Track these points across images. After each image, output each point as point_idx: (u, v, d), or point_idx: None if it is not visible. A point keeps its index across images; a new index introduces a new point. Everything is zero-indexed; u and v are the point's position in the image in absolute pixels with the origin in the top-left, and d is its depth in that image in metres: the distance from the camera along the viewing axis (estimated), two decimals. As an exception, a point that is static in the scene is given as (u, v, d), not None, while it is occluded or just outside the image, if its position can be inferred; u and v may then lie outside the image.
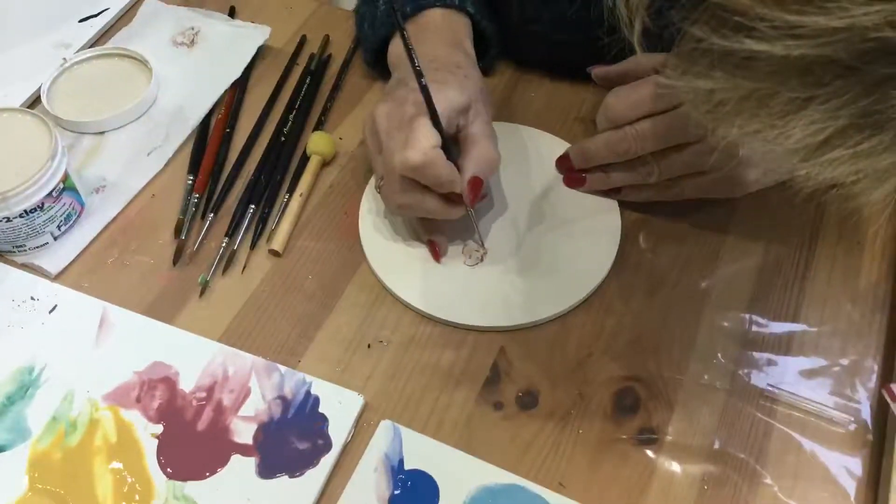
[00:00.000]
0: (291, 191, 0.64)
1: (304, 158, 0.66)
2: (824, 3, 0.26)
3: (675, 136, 0.56)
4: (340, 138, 0.68)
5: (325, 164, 0.66)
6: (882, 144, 0.29)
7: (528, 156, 0.66)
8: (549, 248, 0.60)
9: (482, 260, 0.60)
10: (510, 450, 0.52)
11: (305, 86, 0.71)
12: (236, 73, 0.72)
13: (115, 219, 0.63)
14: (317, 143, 0.66)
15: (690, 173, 0.58)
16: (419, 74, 0.53)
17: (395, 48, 0.65)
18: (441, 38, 0.63)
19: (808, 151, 0.30)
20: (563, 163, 0.63)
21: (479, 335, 0.57)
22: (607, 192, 0.63)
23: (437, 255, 0.59)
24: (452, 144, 0.56)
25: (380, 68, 0.69)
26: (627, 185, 0.61)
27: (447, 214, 0.57)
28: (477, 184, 0.55)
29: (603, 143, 0.59)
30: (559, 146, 0.65)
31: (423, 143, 0.53)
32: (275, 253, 0.61)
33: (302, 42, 0.75)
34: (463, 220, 0.59)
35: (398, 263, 0.60)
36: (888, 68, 0.27)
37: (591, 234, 0.61)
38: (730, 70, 0.30)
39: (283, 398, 0.53)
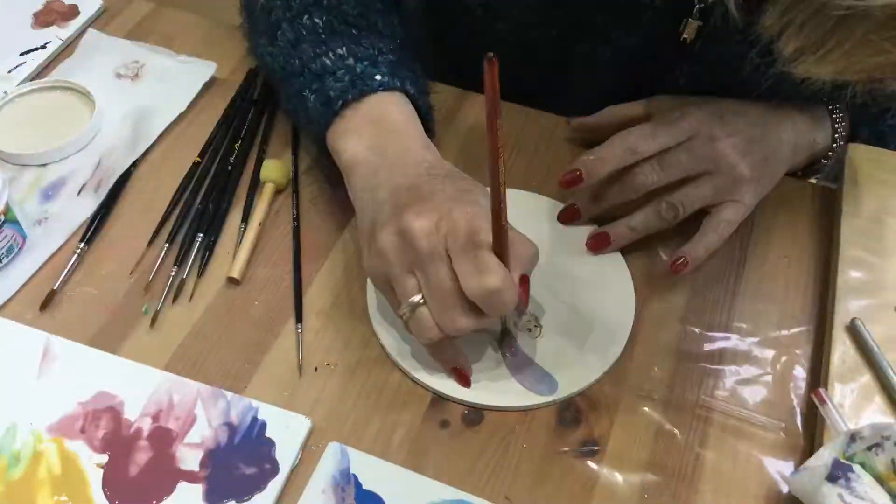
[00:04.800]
0: (245, 218, 0.64)
1: (253, 186, 0.67)
2: None
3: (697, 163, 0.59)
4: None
5: (278, 191, 0.67)
6: None
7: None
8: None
9: (541, 334, 0.58)
10: (457, 466, 0.53)
11: (249, 115, 0.72)
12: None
13: (58, 251, 0.63)
14: (270, 170, 0.67)
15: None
16: (498, 185, 0.46)
17: (351, 146, 0.58)
18: (417, 140, 0.58)
19: None
20: (569, 214, 0.64)
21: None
22: (593, 247, 0.63)
23: (467, 381, 0.55)
24: None
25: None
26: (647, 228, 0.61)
27: (491, 325, 0.55)
28: (527, 282, 0.52)
29: (619, 146, 0.59)
30: (540, 202, 0.65)
31: (503, 272, 0.49)
32: (234, 281, 0.61)
33: (250, 74, 0.76)
34: None
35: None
36: None
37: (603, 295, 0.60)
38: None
39: (229, 424, 0.53)
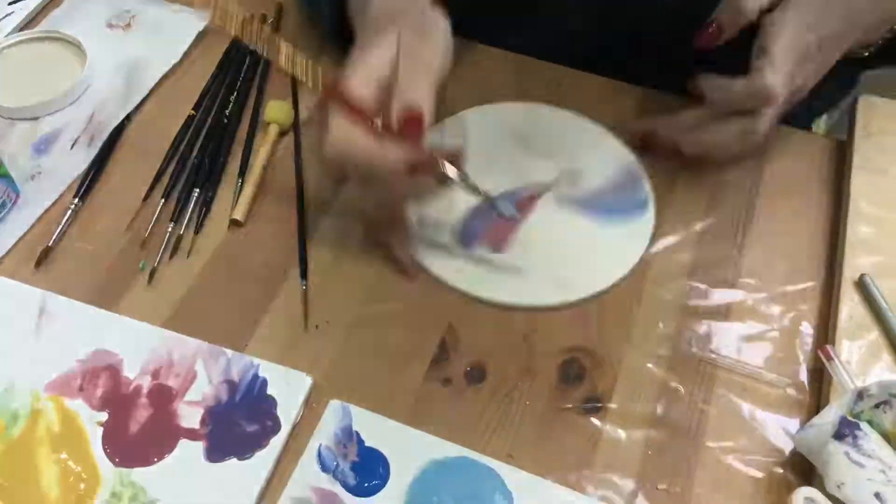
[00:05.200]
0: (243, 172, 0.63)
1: (251, 133, 0.65)
2: None
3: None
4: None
5: (282, 133, 0.66)
6: None
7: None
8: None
9: (490, 200, 0.57)
10: (459, 424, 0.52)
11: (245, 66, 0.70)
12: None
13: (52, 205, 0.62)
14: (275, 110, 0.65)
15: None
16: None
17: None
18: None
19: None
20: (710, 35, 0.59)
21: (426, 314, 0.57)
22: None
23: (409, 273, 0.58)
24: None
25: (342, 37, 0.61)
26: None
27: (423, 186, 0.55)
28: (411, 121, 0.48)
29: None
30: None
31: (341, 132, 0.48)
32: (237, 223, 0.60)
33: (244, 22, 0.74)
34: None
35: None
36: None
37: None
38: None
39: (229, 381, 0.53)
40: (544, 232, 0.61)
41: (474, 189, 0.55)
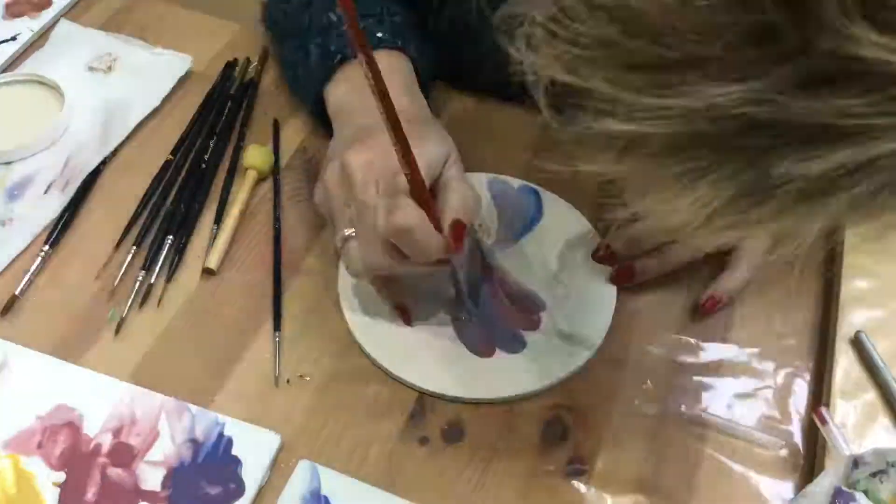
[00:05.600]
0: (219, 219, 0.62)
1: (229, 179, 0.64)
2: (681, 87, 0.26)
3: None
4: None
5: (260, 179, 0.64)
6: (772, 210, 0.28)
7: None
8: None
9: (471, 319, 0.56)
10: (436, 486, 0.50)
11: (227, 111, 0.69)
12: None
13: (22, 252, 0.60)
14: (254, 156, 0.64)
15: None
16: (397, 129, 0.45)
17: (337, 93, 0.60)
18: (397, 85, 0.57)
19: (698, 224, 0.30)
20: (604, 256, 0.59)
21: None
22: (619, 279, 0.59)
23: (408, 318, 0.56)
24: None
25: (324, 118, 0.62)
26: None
27: (429, 274, 0.52)
28: (459, 228, 0.49)
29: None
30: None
31: (414, 211, 0.48)
32: (209, 271, 0.58)
33: (227, 67, 0.73)
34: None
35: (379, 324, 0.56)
36: (763, 140, 0.26)
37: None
38: (614, 155, 0.30)
39: (193, 440, 0.50)
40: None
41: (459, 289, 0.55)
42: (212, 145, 0.66)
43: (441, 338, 0.56)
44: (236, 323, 0.57)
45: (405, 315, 0.56)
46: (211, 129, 0.67)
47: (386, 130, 0.46)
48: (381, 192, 0.50)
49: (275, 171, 0.65)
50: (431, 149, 0.51)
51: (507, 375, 0.54)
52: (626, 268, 0.58)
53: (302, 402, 0.53)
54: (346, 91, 0.60)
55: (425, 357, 0.55)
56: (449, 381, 0.54)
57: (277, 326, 0.56)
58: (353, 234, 0.51)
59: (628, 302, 0.58)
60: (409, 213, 0.48)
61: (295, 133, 0.68)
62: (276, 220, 0.62)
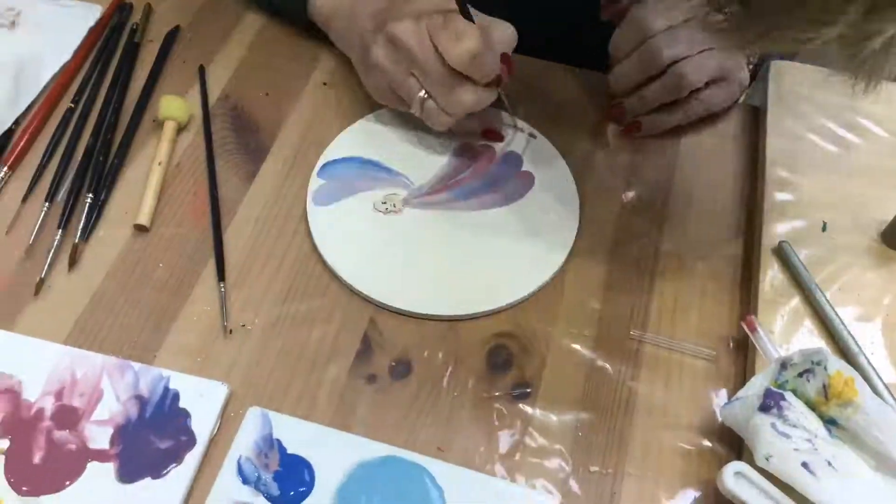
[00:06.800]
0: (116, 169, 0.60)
1: (135, 129, 0.62)
2: None
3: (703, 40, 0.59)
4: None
5: (180, 129, 0.62)
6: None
7: None
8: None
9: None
10: (386, 421, 0.51)
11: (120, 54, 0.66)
12: (66, 55, 0.66)
13: (-63, 221, 0.58)
14: (171, 107, 0.62)
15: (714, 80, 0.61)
16: None
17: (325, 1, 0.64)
18: None
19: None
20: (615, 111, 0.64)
21: (346, 309, 0.55)
22: (627, 132, 0.64)
23: (499, 136, 0.62)
24: None
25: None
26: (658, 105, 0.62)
27: (491, 98, 0.58)
28: (509, 59, 0.56)
29: (635, 59, 0.60)
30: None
31: (475, 32, 0.54)
32: (141, 228, 0.57)
33: (123, 11, 0.70)
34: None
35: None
36: None
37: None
38: None
39: (139, 397, 0.50)
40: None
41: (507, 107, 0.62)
42: (115, 93, 0.64)
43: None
44: (172, 277, 0.56)
45: (495, 134, 0.62)
46: (115, 77, 0.65)
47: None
48: (435, 33, 0.55)
49: (205, 118, 0.63)
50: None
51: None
52: (616, 106, 0.63)
53: (246, 351, 0.53)
54: None
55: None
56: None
57: (221, 277, 0.55)
58: (426, 95, 0.57)
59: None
60: (474, 34, 0.54)
61: (216, 81, 0.66)
62: (211, 166, 0.60)
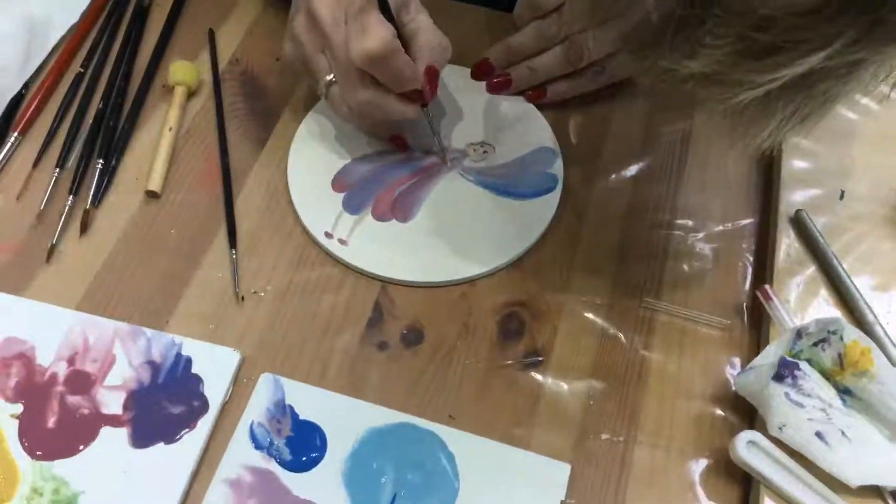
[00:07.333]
0: (144, 134, 0.60)
1: (145, 94, 0.62)
2: None
3: (604, 10, 0.55)
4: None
5: (190, 94, 0.62)
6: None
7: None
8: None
9: (446, 163, 0.59)
10: (398, 389, 0.51)
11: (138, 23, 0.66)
12: (73, 17, 0.66)
13: (-52, 187, 0.58)
14: (182, 71, 0.61)
15: (615, 51, 0.58)
16: None
17: None
18: None
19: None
20: (483, 67, 0.61)
21: (357, 277, 0.55)
22: (533, 97, 0.61)
23: (404, 144, 0.58)
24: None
25: None
26: (554, 77, 0.59)
27: (405, 113, 0.53)
28: (434, 73, 0.53)
29: (532, 31, 0.58)
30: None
31: (382, 32, 0.49)
32: (152, 194, 0.57)
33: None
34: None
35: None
36: None
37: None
38: None
39: (151, 362, 0.50)
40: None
41: (433, 131, 0.58)
42: (125, 58, 0.63)
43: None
44: (184, 243, 0.56)
45: (401, 142, 0.59)
46: (125, 41, 0.64)
47: None
48: (349, 21, 0.50)
49: (215, 83, 0.63)
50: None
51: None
52: (501, 75, 0.60)
53: (259, 318, 0.53)
54: None
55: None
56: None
57: (233, 244, 0.55)
58: (334, 79, 0.53)
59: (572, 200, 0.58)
60: (379, 34, 0.49)
61: (225, 46, 0.66)
62: (222, 133, 0.60)
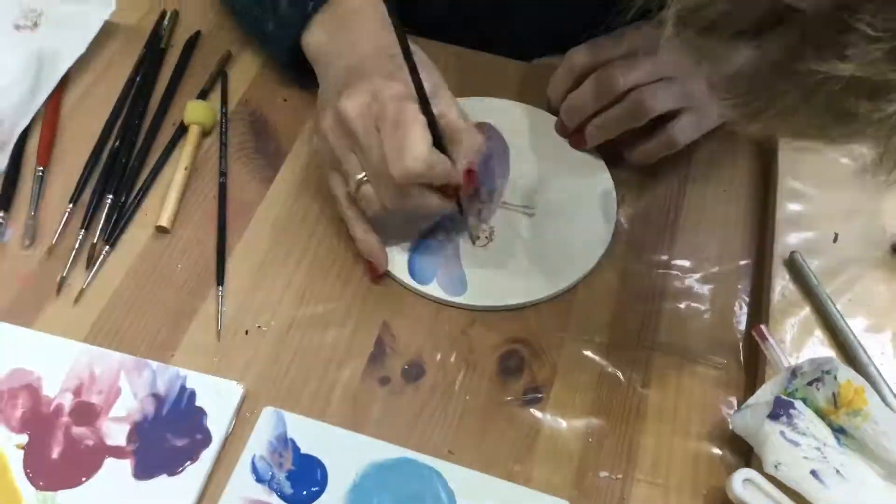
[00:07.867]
0: (156, 172, 0.61)
1: (173, 141, 0.63)
2: None
3: (661, 70, 0.57)
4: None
5: (203, 134, 0.64)
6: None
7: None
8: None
9: (491, 239, 0.59)
10: (398, 424, 0.51)
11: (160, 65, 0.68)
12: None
13: (-39, 220, 0.59)
14: (197, 111, 0.63)
15: (677, 111, 0.58)
16: (410, 63, 0.49)
17: (315, 39, 0.59)
18: (374, 21, 0.57)
19: None
20: (562, 127, 0.63)
21: (360, 312, 0.56)
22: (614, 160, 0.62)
23: (375, 273, 0.57)
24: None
25: (296, 67, 0.63)
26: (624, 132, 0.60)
27: (443, 208, 0.54)
28: (473, 175, 0.53)
29: (590, 87, 0.59)
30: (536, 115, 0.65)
31: (422, 148, 0.49)
32: (162, 229, 0.58)
33: (161, 19, 0.71)
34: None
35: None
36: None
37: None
38: None
39: (156, 395, 0.50)
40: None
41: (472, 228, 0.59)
42: (147, 102, 0.65)
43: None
44: (190, 278, 0.57)
45: (373, 269, 0.56)
46: (148, 85, 0.66)
47: (379, 65, 0.52)
48: (385, 134, 0.50)
49: (222, 125, 0.64)
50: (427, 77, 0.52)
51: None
52: (576, 135, 0.62)
53: (262, 352, 0.54)
54: (325, 36, 0.59)
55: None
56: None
57: (221, 281, 0.56)
58: (365, 178, 0.53)
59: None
60: (421, 154, 0.49)
61: (236, 86, 0.67)
62: (222, 174, 0.61)
